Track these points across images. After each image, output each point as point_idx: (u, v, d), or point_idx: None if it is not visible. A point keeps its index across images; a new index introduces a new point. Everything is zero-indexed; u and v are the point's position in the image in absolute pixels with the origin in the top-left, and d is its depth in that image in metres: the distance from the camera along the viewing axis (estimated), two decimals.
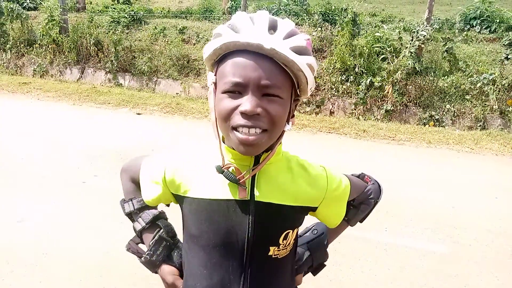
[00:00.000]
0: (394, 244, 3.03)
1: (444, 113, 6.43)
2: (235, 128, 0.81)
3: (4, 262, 2.66)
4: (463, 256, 2.95)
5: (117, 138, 5.06)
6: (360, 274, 2.69)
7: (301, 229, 1.08)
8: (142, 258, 1.07)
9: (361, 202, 1.13)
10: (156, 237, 1.05)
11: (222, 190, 0.89)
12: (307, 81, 0.84)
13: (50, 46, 8.52)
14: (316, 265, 1.15)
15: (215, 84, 0.86)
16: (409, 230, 3.22)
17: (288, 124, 0.86)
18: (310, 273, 1.18)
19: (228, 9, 10.34)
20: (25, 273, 2.57)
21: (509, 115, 6.14)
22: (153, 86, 8.00)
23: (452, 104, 6.44)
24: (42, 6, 9.31)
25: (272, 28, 0.82)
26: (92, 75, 8.40)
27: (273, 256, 0.92)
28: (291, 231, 0.94)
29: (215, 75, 0.86)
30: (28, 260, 2.70)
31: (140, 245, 1.12)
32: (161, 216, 1.10)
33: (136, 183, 1.10)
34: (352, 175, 1.18)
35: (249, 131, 0.80)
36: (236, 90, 0.80)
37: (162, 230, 1.06)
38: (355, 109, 6.73)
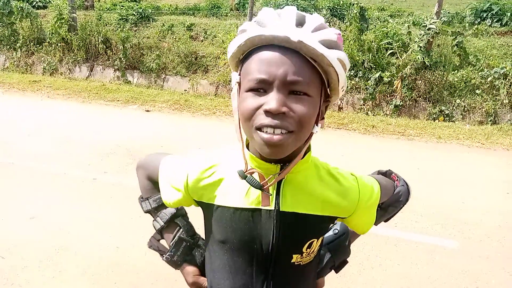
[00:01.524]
0: (404, 240, 3.02)
1: (454, 108, 6.37)
2: (259, 128, 0.76)
3: (18, 258, 2.71)
4: (473, 251, 2.93)
5: (126, 135, 5.10)
6: (370, 270, 2.69)
7: None
8: (164, 258, 1.07)
9: (390, 204, 1.10)
10: (175, 238, 1.05)
11: (246, 199, 0.86)
12: (338, 78, 0.79)
13: (59, 45, 8.60)
14: (338, 264, 1.13)
15: (239, 84, 0.81)
16: (419, 225, 3.21)
17: (317, 126, 0.80)
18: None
19: (236, 5, 10.34)
20: (38, 269, 2.61)
21: None
22: (162, 83, 8.04)
23: (462, 99, 6.37)
24: (51, 4, 9.40)
25: (300, 22, 0.77)
26: (101, 72, 8.47)
27: (295, 263, 0.91)
28: (316, 240, 0.91)
29: (239, 74, 0.81)
30: (41, 255, 2.74)
31: (162, 241, 1.12)
32: (179, 213, 1.09)
33: (152, 181, 1.08)
34: (378, 171, 1.15)
35: (274, 131, 0.74)
36: (261, 88, 0.75)
37: (181, 230, 1.06)
38: (364, 105, 6.69)
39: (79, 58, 8.54)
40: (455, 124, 6.06)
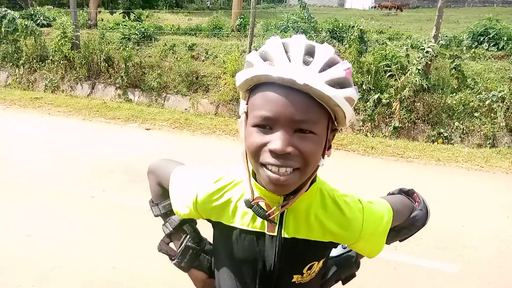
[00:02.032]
0: (404, 263, 2.99)
1: (452, 130, 6.40)
2: (264, 165, 0.77)
3: (12, 275, 2.67)
4: (474, 276, 2.89)
5: (126, 153, 5.10)
6: None
7: None
8: (172, 262, 1.12)
9: (404, 227, 1.09)
10: (182, 246, 1.10)
11: (252, 221, 0.89)
12: (345, 115, 0.79)
13: (61, 62, 8.70)
14: (344, 277, 1.14)
15: (247, 114, 0.82)
16: (419, 248, 3.18)
17: (323, 158, 0.81)
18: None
19: (237, 26, 10.50)
20: (32, 287, 2.57)
21: None
22: (162, 101, 8.09)
23: (461, 122, 6.40)
24: (55, 22, 9.54)
25: (309, 55, 0.77)
26: (102, 90, 8.53)
27: (296, 282, 0.94)
28: (317, 262, 0.94)
29: (247, 103, 0.82)
30: (35, 274, 2.70)
31: (171, 245, 1.17)
32: (188, 220, 1.13)
33: (163, 187, 1.13)
34: (400, 189, 1.15)
35: (278, 170, 0.76)
36: (266, 125, 0.76)
37: (188, 238, 1.11)
38: (363, 126, 6.72)
39: (81, 76, 8.62)
40: (454, 147, 6.07)
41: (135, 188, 4.01)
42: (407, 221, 1.08)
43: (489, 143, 6.12)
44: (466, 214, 3.80)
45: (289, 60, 0.75)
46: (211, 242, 1.09)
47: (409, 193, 1.15)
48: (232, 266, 0.95)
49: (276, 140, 0.74)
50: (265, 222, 0.88)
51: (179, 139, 5.94)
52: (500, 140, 6.18)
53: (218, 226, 0.95)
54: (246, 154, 0.82)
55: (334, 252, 1.13)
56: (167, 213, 1.13)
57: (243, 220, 0.90)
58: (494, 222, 3.69)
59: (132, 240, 3.14)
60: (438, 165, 5.29)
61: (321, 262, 0.95)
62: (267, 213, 0.84)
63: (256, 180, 0.87)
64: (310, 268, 0.93)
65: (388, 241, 1.05)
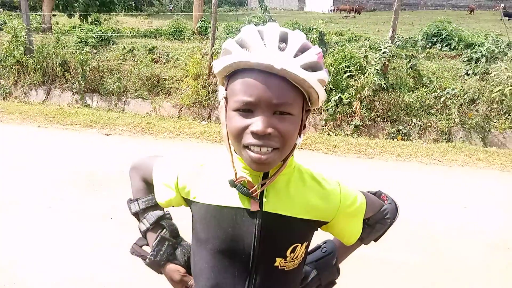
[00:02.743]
0: (370, 257, 3.03)
1: (411, 127, 6.63)
2: (246, 146, 0.82)
3: None
4: (437, 266, 2.99)
5: (85, 160, 4.90)
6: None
7: (311, 246, 1.06)
8: (147, 260, 1.10)
9: (377, 221, 1.12)
10: (158, 238, 1.10)
11: (231, 198, 0.90)
12: (318, 96, 0.85)
13: (14, 67, 8.28)
14: (325, 284, 1.14)
15: (226, 99, 0.86)
16: (384, 242, 3.23)
17: (300, 137, 0.87)
18: None
19: (198, 29, 10.41)
20: None
21: (469, 128, 6.42)
22: (122, 106, 7.88)
23: (418, 118, 6.65)
24: (5, 26, 9.07)
25: (283, 41, 0.82)
26: (58, 96, 8.19)
27: (279, 268, 0.93)
28: (300, 244, 0.94)
29: (226, 89, 0.86)
30: None
31: (144, 247, 1.15)
32: (165, 216, 1.14)
33: (146, 182, 1.14)
34: (368, 192, 1.18)
35: (260, 150, 0.80)
36: (247, 109, 0.80)
37: (165, 230, 1.11)
38: (325, 125, 6.83)
39: (35, 81, 8.24)
40: (413, 143, 6.29)
41: (95, 197, 3.86)
42: (379, 214, 1.12)
43: (445, 138, 6.39)
44: (426, 207, 3.93)
45: (265, 46, 0.80)
46: (188, 242, 1.10)
47: (376, 195, 1.19)
48: (209, 252, 0.93)
49: (257, 122, 0.79)
50: (245, 199, 0.89)
51: (141, 144, 5.78)
52: (455, 135, 6.47)
53: (196, 207, 0.95)
54: (228, 136, 0.86)
55: (314, 256, 1.13)
56: (146, 209, 1.13)
57: (221, 197, 0.91)
58: (452, 213, 3.84)
59: (93, 251, 3.01)
60: (398, 160, 5.46)
61: (304, 246, 0.95)
62: (250, 191, 0.87)
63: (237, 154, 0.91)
64: (293, 251, 0.92)
65: (365, 239, 1.11)
